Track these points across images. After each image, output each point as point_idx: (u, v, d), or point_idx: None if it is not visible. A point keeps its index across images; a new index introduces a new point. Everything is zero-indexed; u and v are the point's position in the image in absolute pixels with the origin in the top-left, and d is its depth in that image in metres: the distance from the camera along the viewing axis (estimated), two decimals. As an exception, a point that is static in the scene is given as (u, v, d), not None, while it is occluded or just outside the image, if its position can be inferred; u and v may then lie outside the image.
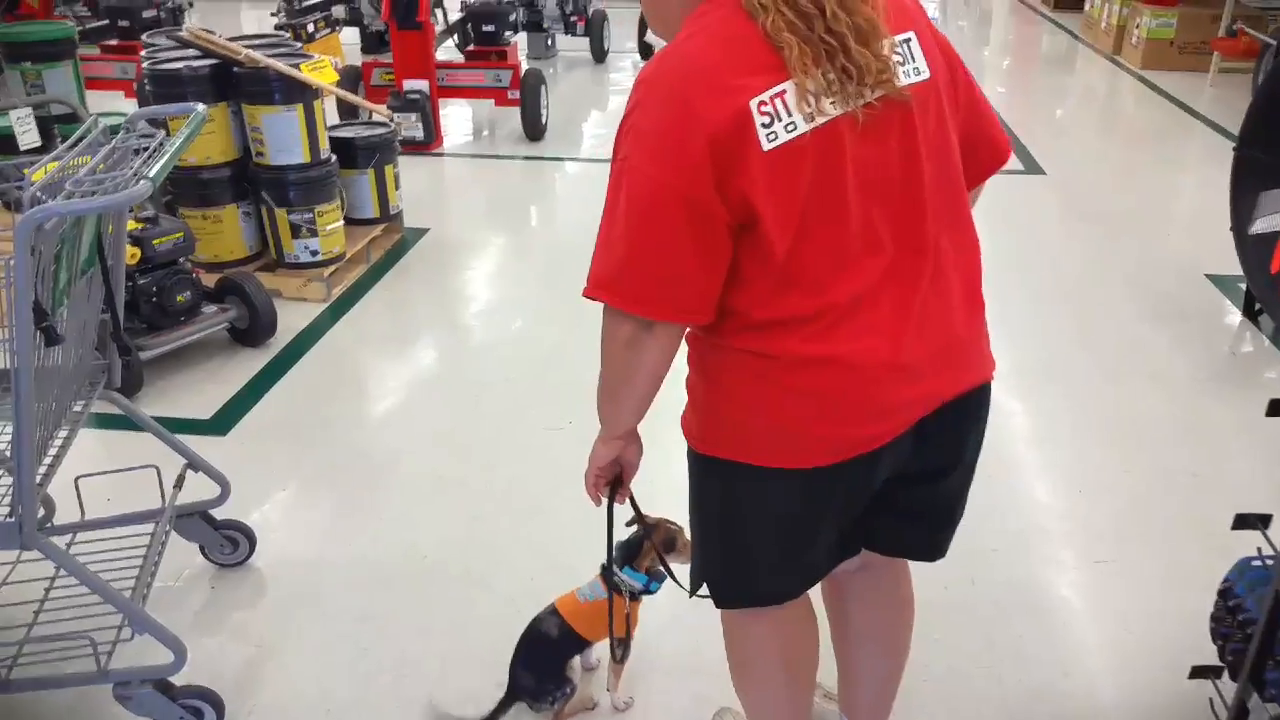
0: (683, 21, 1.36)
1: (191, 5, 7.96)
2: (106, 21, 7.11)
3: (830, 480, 1.45)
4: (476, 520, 2.79)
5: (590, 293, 1.42)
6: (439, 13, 8.07)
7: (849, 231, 1.34)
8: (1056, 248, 4.94)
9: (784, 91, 1.27)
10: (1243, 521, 1.73)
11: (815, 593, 1.71)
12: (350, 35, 8.39)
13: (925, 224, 1.39)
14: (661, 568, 1.99)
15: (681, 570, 1.84)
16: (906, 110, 1.35)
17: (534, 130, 6.44)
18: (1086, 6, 10.22)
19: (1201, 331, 4.05)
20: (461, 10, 7.13)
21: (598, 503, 1.69)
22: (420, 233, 4.88)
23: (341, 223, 4.21)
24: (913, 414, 1.45)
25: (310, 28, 7.63)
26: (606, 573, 1.99)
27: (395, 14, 6.02)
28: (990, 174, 1.57)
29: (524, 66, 6.51)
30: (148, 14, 7.00)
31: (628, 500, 1.74)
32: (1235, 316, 4.14)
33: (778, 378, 1.40)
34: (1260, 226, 3.92)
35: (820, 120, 1.29)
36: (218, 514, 2.50)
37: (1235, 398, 3.54)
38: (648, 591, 2.06)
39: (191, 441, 2.45)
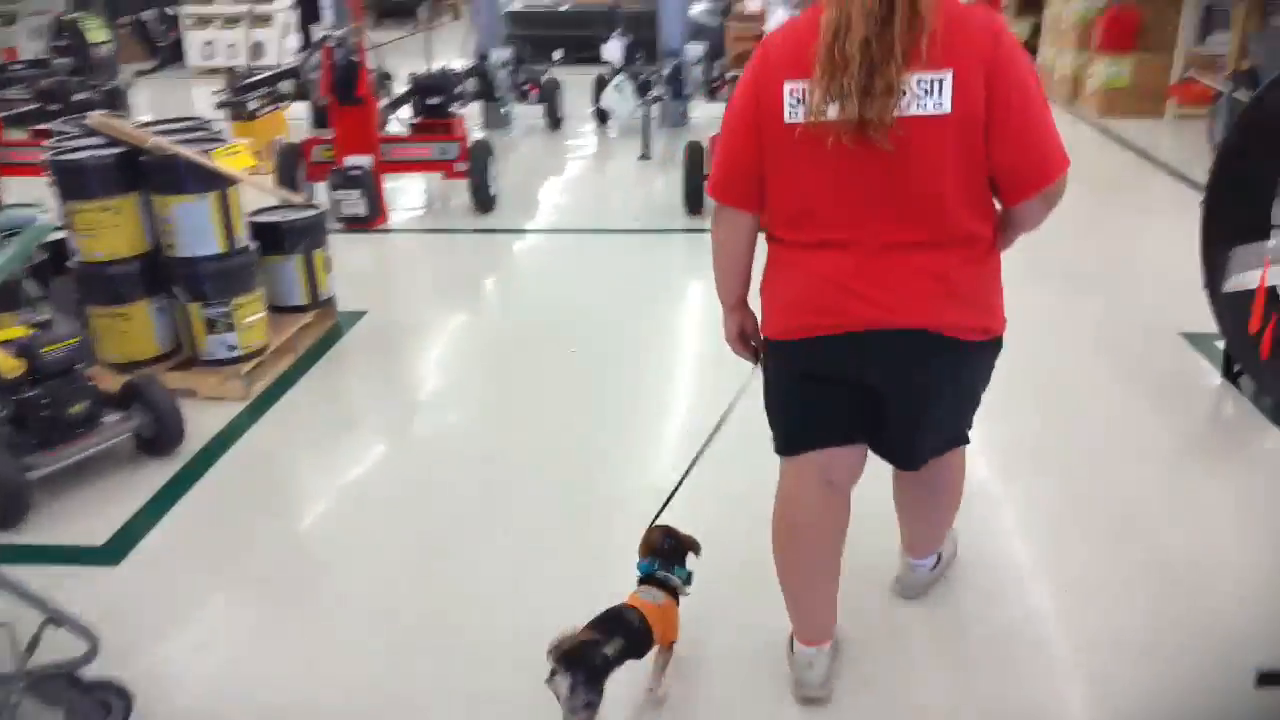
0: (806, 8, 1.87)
1: (130, 85, 7.75)
2: (38, 105, 6.86)
3: (793, 352, 2.05)
4: (412, 656, 2.48)
5: (708, 191, 2.07)
6: (388, 84, 7.91)
7: (817, 206, 1.89)
8: (1020, 310, 4.70)
9: (809, 87, 1.80)
10: (1268, 679, 1.46)
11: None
12: (301, 109, 8.19)
13: (894, 222, 1.86)
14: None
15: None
16: (910, 134, 1.77)
17: (483, 202, 6.22)
18: (1039, 59, 10.21)
19: (1181, 397, 3.83)
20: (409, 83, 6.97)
21: (751, 359, 2.27)
22: (356, 317, 4.61)
23: (263, 314, 3.94)
24: (843, 322, 1.94)
25: (252, 105, 7.43)
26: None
27: (335, 89, 5.83)
28: (1023, 199, 1.90)
29: (476, 136, 6.33)
30: (79, 96, 6.77)
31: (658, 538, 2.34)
32: (1214, 378, 3.92)
33: (770, 270, 2.05)
34: (1234, 283, 3.72)
35: (821, 118, 1.79)
36: (88, 671, 2.18)
37: (1226, 470, 3.31)
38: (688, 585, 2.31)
39: (77, 574, 2.14)
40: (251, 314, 3.86)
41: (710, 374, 4.08)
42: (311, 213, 4.35)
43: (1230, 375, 3.87)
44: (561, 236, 6.00)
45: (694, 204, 6.10)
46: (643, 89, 7.74)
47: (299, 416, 3.78)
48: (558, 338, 4.43)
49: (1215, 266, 3.82)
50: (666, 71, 7.89)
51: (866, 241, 1.88)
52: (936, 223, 1.86)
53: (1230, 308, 3.79)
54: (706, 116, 8.85)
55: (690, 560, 2.35)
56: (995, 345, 2.06)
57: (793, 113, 1.83)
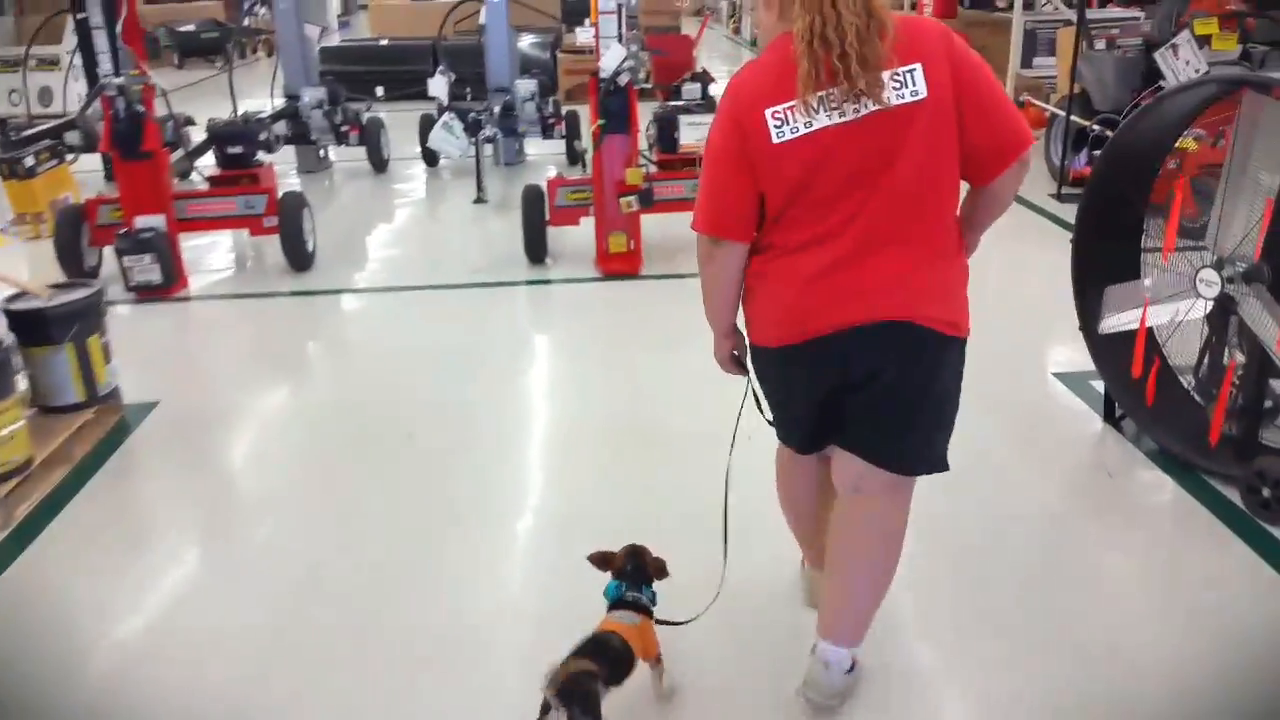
0: (769, 44, 2.07)
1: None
2: None
3: (783, 357, 2.16)
4: None
5: (695, 226, 2.12)
6: (185, 132, 7.14)
7: (820, 202, 2.01)
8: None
9: (792, 107, 1.95)
10: None
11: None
12: (92, 161, 7.31)
13: (892, 207, 1.99)
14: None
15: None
16: (895, 120, 1.94)
17: (299, 260, 5.60)
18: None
19: (1066, 446, 3.62)
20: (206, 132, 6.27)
21: (742, 374, 2.36)
22: (147, 409, 3.94)
23: (22, 422, 3.25)
24: (826, 325, 2.05)
25: (30, 161, 6.55)
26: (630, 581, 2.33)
27: (117, 143, 5.11)
28: (1000, 172, 2.05)
29: (291, 186, 5.69)
30: None
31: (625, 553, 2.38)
32: (1094, 422, 3.75)
33: (760, 285, 2.15)
34: (1109, 325, 3.55)
35: (810, 129, 1.95)
36: None
37: (1121, 527, 3.08)
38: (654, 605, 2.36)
39: None
40: (8, 424, 3.17)
41: (571, 453, 3.63)
42: (84, 292, 3.68)
43: (1111, 419, 3.70)
44: (391, 295, 5.43)
45: (536, 252, 5.66)
46: (473, 128, 7.25)
47: (76, 541, 3.11)
48: (392, 419, 3.89)
49: (1088, 308, 3.65)
50: (497, 109, 7.44)
51: (850, 240, 2.02)
52: (918, 214, 2.03)
53: (1109, 351, 3.63)
54: (543, 155, 8.46)
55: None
56: (963, 345, 2.18)
57: (779, 133, 1.98)
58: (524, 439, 3.74)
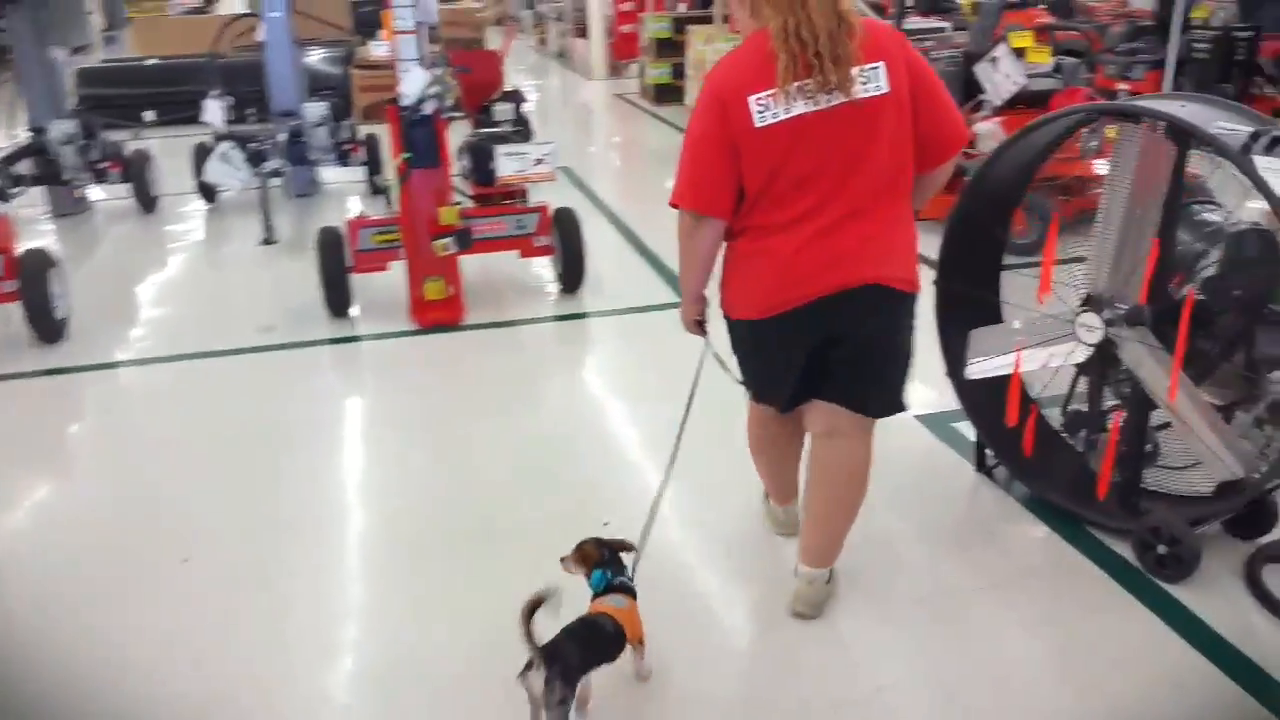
0: (747, 37, 2.35)
1: None
2: None
3: (766, 328, 2.44)
4: None
5: (671, 202, 2.38)
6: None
7: (799, 186, 2.29)
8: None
9: (773, 94, 2.22)
10: None
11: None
12: None
13: (861, 185, 2.30)
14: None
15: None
16: (863, 111, 2.24)
17: (46, 331, 4.71)
18: (688, 99, 10.04)
19: (939, 501, 3.32)
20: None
21: (702, 334, 2.66)
22: None
23: None
24: (807, 295, 2.35)
25: None
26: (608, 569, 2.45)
27: None
28: (941, 162, 2.43)
29: (42, 236, 4.78)
30: None
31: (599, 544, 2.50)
32: (965, 470, 3.47)
33: (738, 261, 2.45)
34: (976, 370, 3.27)
35: (789, 114, 2.23)
36: None
37: (1026, 608, 2.77)
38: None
39: None
40: None
41: (396, 570, 3.03)
42: None
43: (984, 468, 3.43)
44: (165, 368, 4.61)
45: (338, 305, 4.99)
46: (256, 159, 6.46)
47: None
48: (163, 536, 3.18)
49: (954, 352, 3.37)
50: (283, 136, 6.68)
51: (830, 215, 2.29)
52: (887, 187, 2.32)
53: (978, 398, 3.35)
54: (341, 184, 7.71)
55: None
56: (916, 299, 2.49)
57: (761, 117, 2.22)
58: (332, 555, 3.11)
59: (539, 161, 5.15)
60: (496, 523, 3.23)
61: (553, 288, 5.43)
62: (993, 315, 3.35)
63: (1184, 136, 2.64)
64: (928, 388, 4.00)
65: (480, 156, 5.30)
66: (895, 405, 2.57)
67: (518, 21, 19.72)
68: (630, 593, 2.41)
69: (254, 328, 4.97)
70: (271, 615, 2.81)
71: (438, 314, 4.93)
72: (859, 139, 2.25)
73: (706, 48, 9.28)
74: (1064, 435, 3.31)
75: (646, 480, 3.29)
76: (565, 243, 5.22)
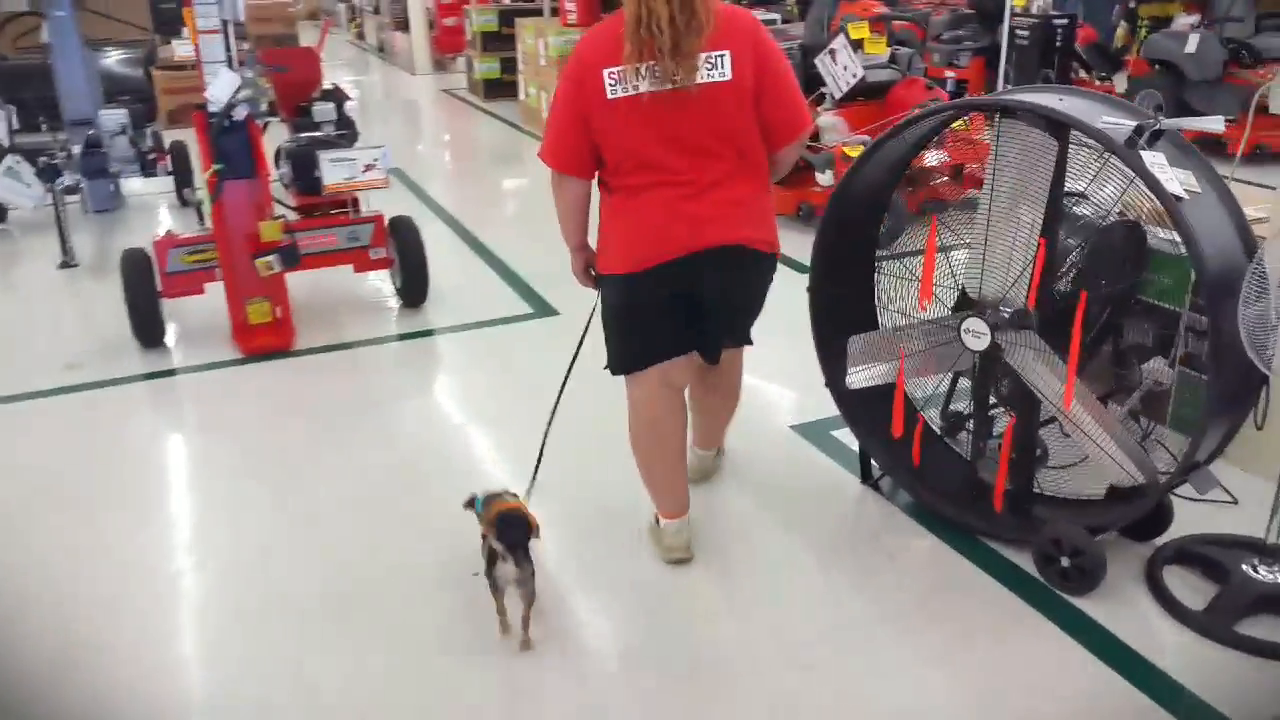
0: (610, 14, 2.52)
1: None
2: None
3: (636, 282, 2.60)
4: None
5: (540, 155, 2.62)
6: None
7: (650, 156, 2.50)
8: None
9: (623, 71, 2.42)
10: None
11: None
12: None
13: (703, 159, 2.50)
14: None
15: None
16: (705, 96, 2.43)
17: None
18: (521, 95, 9.70)
19: (825, 515, 3.17)
20: None
21: (593, 285, 2.80)
22: None
23: None
24: (674, 250, 2.54)
25: None
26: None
27: None
28: (785, 145, 2.63)
29: None
30: None
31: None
32: (848, 480, 3.34)
33: (612, 218, 2.63)
34: (858, 379, 3.13)
35: (636, 91, 2.43)
36: None
37: (928, 630, 2.63)
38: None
39: None
40: None
41: (242, 661, 2.62)
42: None
43: (869, 479, 3.30)
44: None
45: (149, 335, 4.47)
46: (48, 174, 5.77)
47: None
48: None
49: (832, 363, 3.22)
50: (78, 148, 5.98)
51: (689, 181, 2.51)
52: (736, 162, 2.54)
53: (861, 411, 3.22)
54: (147, 194, 7.03)
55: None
56: (774, 260, 2.71)
57: (612, 90, 2.45)
58: (156, 632, 2.69)
59: (369, 167, 4.74)
60: (343, 580, 2.87)
61: (394, 303, 5.05)
62: (869, 322, 3.22)
63: (1063, 131, 2.54)
64: (797, 394, 3.88)
65: (303, 163, 4.83)
66: (745, 339, 2.90)
67: (332, 15, 18.85)
68: (512, 495, 2.72)
69: (54, 365, 4.37)
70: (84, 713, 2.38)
71: (264, 339, 4.48)
72: (699, 120, 2.46)
73: (537, 41, 8.96)
74: (946, 440, 3.22)
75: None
76: (404, 254, 4.85)
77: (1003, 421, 2.95)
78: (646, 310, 2.65)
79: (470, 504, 2.70)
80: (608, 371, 2.78)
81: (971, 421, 3.03)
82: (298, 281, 4.69)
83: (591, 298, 2.90)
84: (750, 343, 2.89)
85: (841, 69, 6.02)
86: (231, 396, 4.15)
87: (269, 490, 3.39)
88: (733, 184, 2.53)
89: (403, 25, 13.86)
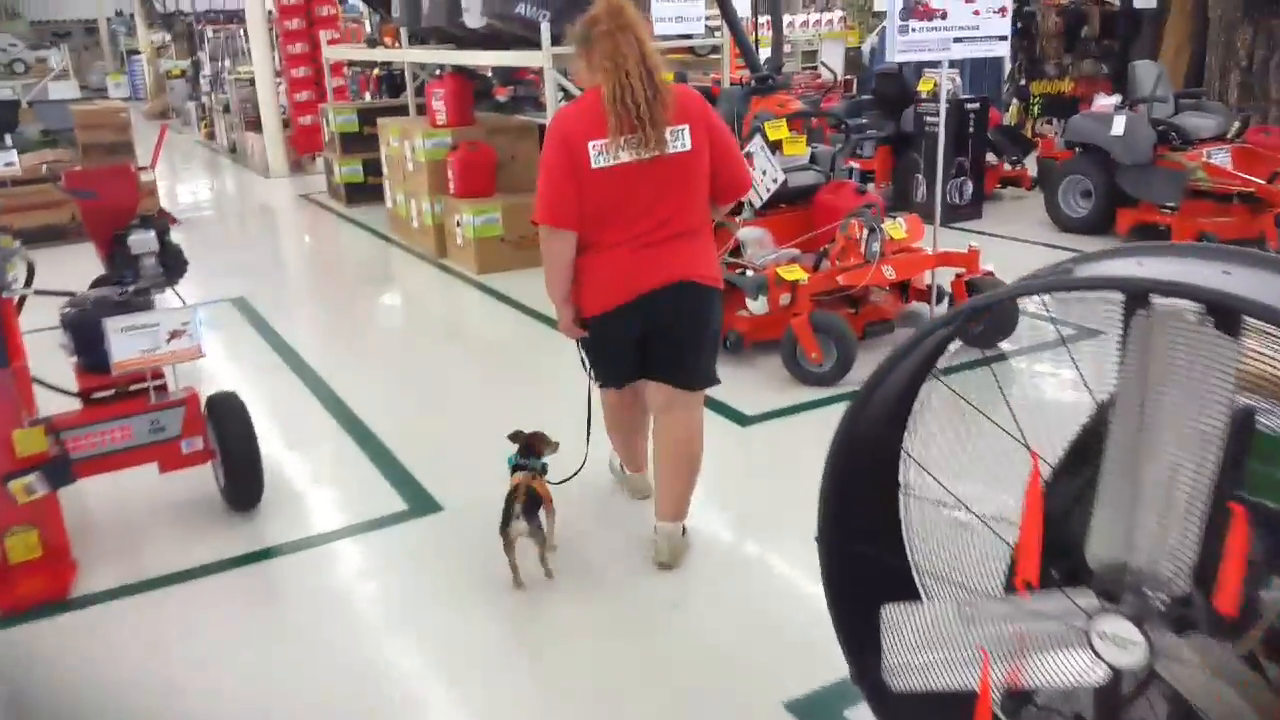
0: (584, 92, 3.05)
1: None
2: None
3: (607, 321, 3.10)
4: None
5: (536, 220, 3.02)
6: None
7: (623, 215, 2.97)
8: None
9: (605, 143, 2.89)
10: None
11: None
12: None
13: (668, 219, 3.00)
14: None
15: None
16: (671, 163, 2.95)
17: None
18: (388, 204, 8.57)
19: None
20: None
21: (583, 334, 3.21)
22: None
23: None
24: (639, 290, 3.02)
25: None
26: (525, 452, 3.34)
27: None
28: (730, 202, 3.30)
29: None
30: None
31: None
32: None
33: (586, 270, 3.07)
34: (909, 673, 2.08)
35: (618, 161, 2.90)
36: None
37: None
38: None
39: None
40: None
41: None
42: None
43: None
44: None
45: None
46: None
47: None
48: None
49: (853, 630, 2.17)
50: None
51: (652, 236, 2.99)
52: (691, 218, 3.05)
53: (901, 702, 2.16)
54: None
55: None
56: (719, 292, 3.20)
57: (596, 161, 2.89)
58: None
59: (175, 334, 3.55)
60: None
61: (219, 507, 3.81)
62: (901, 582, 2.19)
63: (1229, 318, 1.58)
64: (797, 658, 2.79)
65: (86, 334, 3.60)
66: (710, 379, 3.28)
67: (179, 113, 17.45)
68: (531, 470, 3.25)
69: None
70: None
71: (31, 586, 3.24)
72: (669, 183, 2.98)
73: (403, 143, 7.88)
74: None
75: None
76: (227, 444, 3.66)
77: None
78: (618, 343, 3.20)
79: (514, 439, 3.38)
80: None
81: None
82: (85, 489, 3.44)
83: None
84: (714, 382, 3.31)
85: (760, 174, 5.14)
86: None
87: None
88: (689, 235, 3.06)
89: (255, 125, 12.63)
